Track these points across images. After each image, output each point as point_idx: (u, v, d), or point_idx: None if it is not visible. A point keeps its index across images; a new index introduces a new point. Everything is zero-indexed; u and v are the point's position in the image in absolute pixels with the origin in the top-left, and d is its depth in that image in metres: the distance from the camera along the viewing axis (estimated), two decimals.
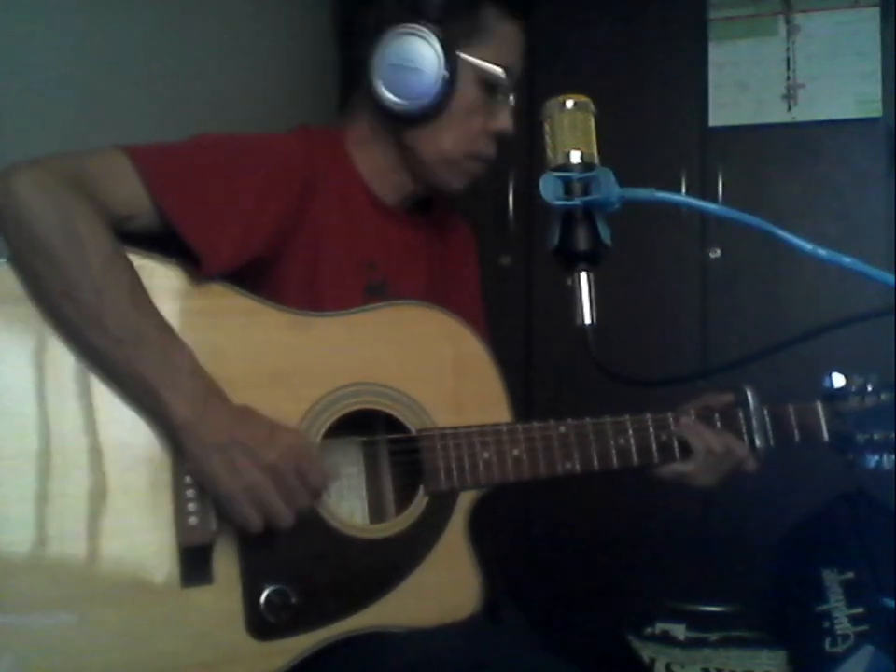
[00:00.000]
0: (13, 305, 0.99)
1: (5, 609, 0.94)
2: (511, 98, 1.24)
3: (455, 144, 1.22)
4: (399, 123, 1.23)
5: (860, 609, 1.75)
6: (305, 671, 1.03)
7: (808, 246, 0.83)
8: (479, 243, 1.48)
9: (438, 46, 1.17)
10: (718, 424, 1.23)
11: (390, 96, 1.19)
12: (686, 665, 1.88)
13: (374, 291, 1.22)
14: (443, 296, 1.28)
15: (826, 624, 1.76)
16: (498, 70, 1.21)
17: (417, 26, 1.18)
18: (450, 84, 1.18)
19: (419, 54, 1.18)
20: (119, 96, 1.61)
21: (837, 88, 2.23)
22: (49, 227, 0.97)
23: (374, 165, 1.26)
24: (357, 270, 1.21)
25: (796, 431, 1.26)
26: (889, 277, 0.81)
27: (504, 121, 1.24)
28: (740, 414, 1.24)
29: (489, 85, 1.22)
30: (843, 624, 1.74)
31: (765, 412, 1.25)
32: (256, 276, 1.12)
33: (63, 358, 0.99)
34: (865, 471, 1.28)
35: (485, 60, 1.20)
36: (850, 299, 2.03)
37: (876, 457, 1.27)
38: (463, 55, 1.19)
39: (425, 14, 1.18)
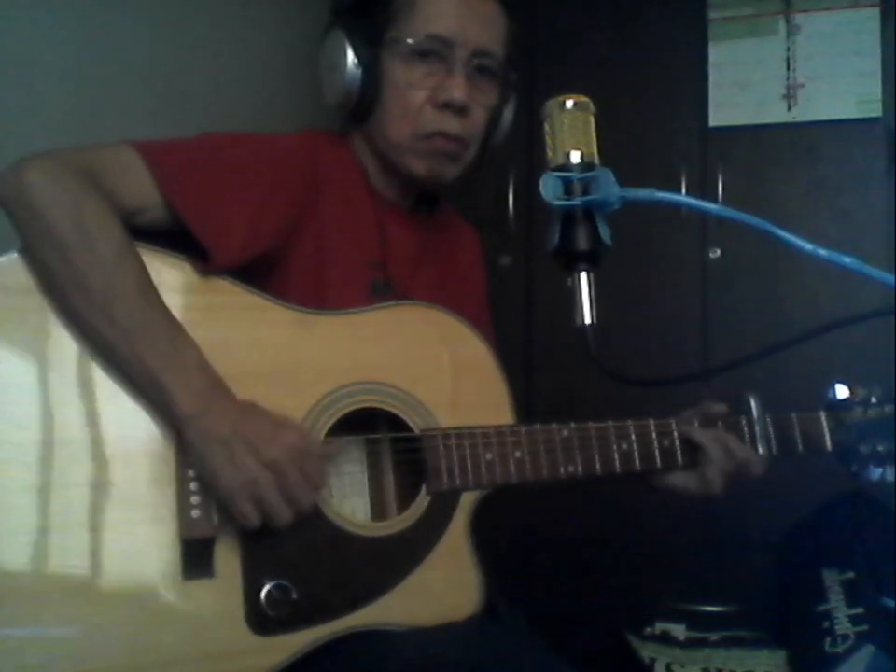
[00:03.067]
0: (24, 297, 0.99)
1: (6, 599, 0.94)
2: (476, 63, 1.20)
3: (398, 126, 1.21)
4: (355, 123, 1.25)
5: (860, 609, 1.75)
6: (304, 667, 1.03)
7: (808, 246, 0.83)
8: (483, 252, 1.47)
9: (347, 40, 1.20)
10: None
11: (328, 99, 1.24)
12: (686, 665, 1.87)
13: (379, 291, 1.22)
14: (449, 296, 1.28)
15: (826, 624, 1.76)
16: (418, 40, 1.18)
17: (334, 26, 1.22)
18: (370, 72, 1.20)
19: (334, 53, 1.21)
20: (119, 95, 1.61)
21: (837, 88, 2.23)
22: (60, 218, 0.98)
23: (374, 166, 1.27)
24: (362, 269, 1.22)
25: (799, 440, 1.26)
26: (889, 277, 0.81)
27: (448, 91, 1.19)
28: (743, 421, 1.25)
29: (421, 58, 1.20)
30: (843, 624, 1.74)
31: (768, 419, 1.25)
32: (263, 274, 1.12)
33: (71, 350, 1.00)
34: (868, 483, 1.27)
35: (413, 33, 1.19)
36: (850, 299, 2.04)
37: (880, 469, 1.26)
38: (386, 39, 1.19)
39: (340, 12, 1.23)
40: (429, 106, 1.20)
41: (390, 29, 1.20)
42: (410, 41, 1.19)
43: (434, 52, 1.19)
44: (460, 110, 1.20)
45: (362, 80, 1.20)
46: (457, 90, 1.19)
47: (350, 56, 1.20)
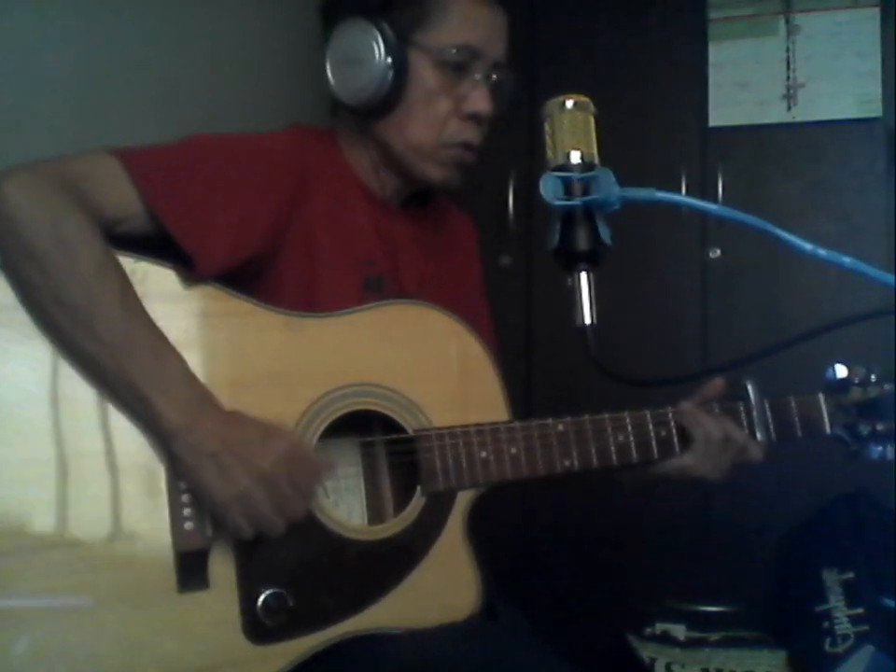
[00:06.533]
0: (5, 313, 0.98)
1: (3, 615, 0.93)
2: (494, 76, 1.21)
3: (422, 132, 1.21)
4: (363, 118, 1.23)
5: (860, 609, 1.75)
6: None
7: (808, 246, 0.83)
8: (479, 242, 1.47)
9: (378, 36, 1.17)
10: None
11: (341, 92, 1.21)
12: (686, 665, 1.87)
13: (372, 287, 1.21)
14: (444, 290, 1.27)
15: (826, 624, 1.76)
16: (452, 50, 1.18)
17: (359, 19, 1.18)
18: (398, 72, 1.18)
19: (361, 47, 1.18)
20: (119, 97, 1.61)
21: (837, 88, 2.23)
22: (39, 232, 0.96)
23: (363, 162, 1.26)
24: (354, 266, 1.21)
25: (798, 424, 1.26)
26: (889, 277, 0.81)
27: (475, 103, 1.20)
28: (741, 407, 1.24)
29: (452, 67, 1.19)
30: (843, 624, 1.74)
31: (766, 404, 1.25)
32: (252, 276, 1.11)
33: (55, 366, 0.98)
34: (868, 462, 1.27)
35: (442, 41, 1.18)
36: (850, 299, 2.03)
37: (879, 448, 1.27)
38: (416, 40, 1.18)
39: (370, 5, 1.19)
40: (455, 116, 1.21)
41: (419, 30, 1.19)
42: (443, 48, 1.18)
43: (463, 62, 1.19)
44: (480, 121, 1.22)
45: (391, 78, 1.18)
46: (483, 101, 1.20)
47: (378, 51, 1.17)
